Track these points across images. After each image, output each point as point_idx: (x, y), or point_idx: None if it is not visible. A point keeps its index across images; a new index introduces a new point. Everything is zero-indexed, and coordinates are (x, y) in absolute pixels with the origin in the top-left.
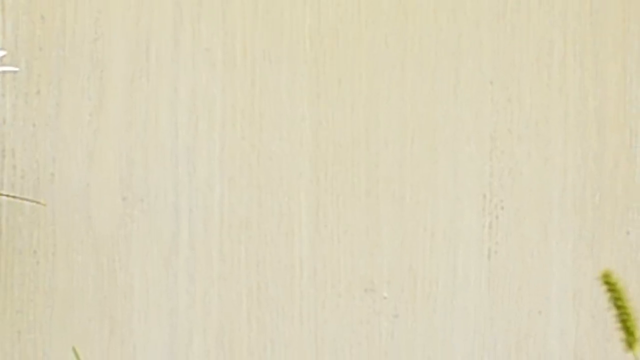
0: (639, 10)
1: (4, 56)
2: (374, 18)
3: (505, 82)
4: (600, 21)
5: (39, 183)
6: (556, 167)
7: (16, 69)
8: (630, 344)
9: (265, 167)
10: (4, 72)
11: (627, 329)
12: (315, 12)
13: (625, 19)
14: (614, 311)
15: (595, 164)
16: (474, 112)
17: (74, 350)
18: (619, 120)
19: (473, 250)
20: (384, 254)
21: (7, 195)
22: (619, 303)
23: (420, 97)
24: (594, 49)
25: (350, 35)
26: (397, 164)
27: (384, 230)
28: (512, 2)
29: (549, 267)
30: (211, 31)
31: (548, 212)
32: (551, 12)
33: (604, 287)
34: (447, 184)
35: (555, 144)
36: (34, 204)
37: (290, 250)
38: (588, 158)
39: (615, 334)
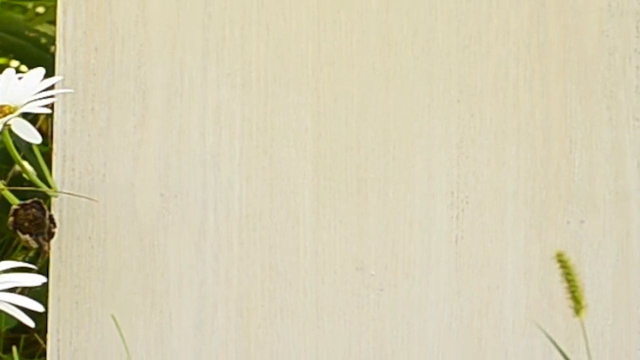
0: (577, 43)
1: (61, 80)
2: (363, 50)
3: (469, 101)
4: (545, 52)
5: (93, 183)
6: (511, 169)
7: (71, 90)
8: (577, 311)
9: (275, 169)
10: (63, 93)
11: (576, 299)
12: (316, 45)
13: (566, 50)
14: (564, 284)
15: (542, 167)
16: (444, 125)
17: (113, 318)
18: (561, 132)
19: (443, 237)
20: (371, 240)
21: (68, 193)
22: (569, 277)
23: (401, 114)
24: (540, 74)
25: (344, 64)
26: (382, 167)
27: (371, 220)
28: (475, 37)
29: (504, 251)
30: (232, 60)
31: (504, 206)
32: (506, 45)
33: (558, 264)
34: (422, 184)
35: (510, 151)
36: (89, 200)
37: (296, 237)
38: (536, 162)
39: (557, 303)
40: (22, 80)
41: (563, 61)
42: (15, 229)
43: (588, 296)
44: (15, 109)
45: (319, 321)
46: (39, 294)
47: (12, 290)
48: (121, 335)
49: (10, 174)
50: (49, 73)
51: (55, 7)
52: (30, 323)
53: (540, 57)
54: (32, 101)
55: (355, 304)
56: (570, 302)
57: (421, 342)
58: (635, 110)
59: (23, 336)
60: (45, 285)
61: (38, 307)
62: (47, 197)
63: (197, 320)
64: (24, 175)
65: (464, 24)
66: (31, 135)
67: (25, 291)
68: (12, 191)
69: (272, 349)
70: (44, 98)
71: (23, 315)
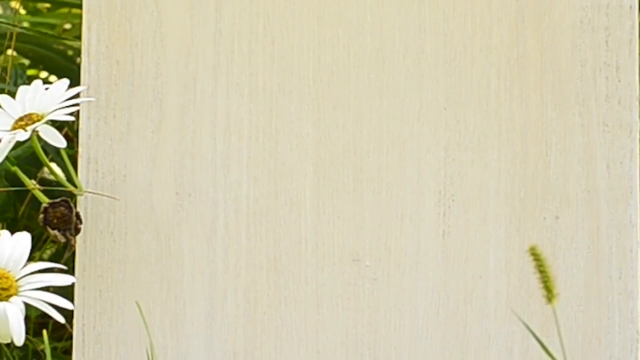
0: (552, 56)
1: (85, 89)
2: (359, 62)
3: (455, 108)
4: (524, 64)
5: (115, 183)
6: (492, 170)
7: (95, 99)
8: (549, 299)
9: (279, 170)
10: (87, 101)
11: (548, 288)
12: (316, 58)
13: (542, 62)
14: (538, 275)
15: (520, 168)
16: (432, 130)
17: (137, 304)
18: (537, 136)
19: (431, 232)
20: (366, 234)
21: (92, 192)
22: (542, 269)
23: (393, 120)
24: (519, 84)
25: (342, 75)
26: (376, 169)
27: (366, 216)
28: (460, 50)
29: (487, 244)
30: (240, 71)
31: (486, 203)
32: (488, 58)
33: (531, 257)
34: (412, 183)
35: (492, 153)
36: (111, 198)
37: (298, 231)
38: (516, 164)
39: (535, 292)
40: (49, 90)
41: (539, 72)
42: (45, 225)
43: (562, 285)
44: (42, 117)
45: (319, 308)
46: (68, 290)
47: (45, 289)
48: (143, 320)
49: (39, 176)
50: (75, 83)
51: (80, 23)
52: (61, 319)
53: (519, 69)
54: (58, 109)
55: (351, 292)
56: (543, 291)
57: (411, 327)
58: (605, 117)
59: (51, 321)
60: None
61: (68, 305)
62: (73, 196)
63: (209, 306)
64: (52, 177)
65: (450, 39)
66: (57, 140)
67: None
68: (41, 191)
69: (276, 333)
70: (69, 106)
71: (54, 311)
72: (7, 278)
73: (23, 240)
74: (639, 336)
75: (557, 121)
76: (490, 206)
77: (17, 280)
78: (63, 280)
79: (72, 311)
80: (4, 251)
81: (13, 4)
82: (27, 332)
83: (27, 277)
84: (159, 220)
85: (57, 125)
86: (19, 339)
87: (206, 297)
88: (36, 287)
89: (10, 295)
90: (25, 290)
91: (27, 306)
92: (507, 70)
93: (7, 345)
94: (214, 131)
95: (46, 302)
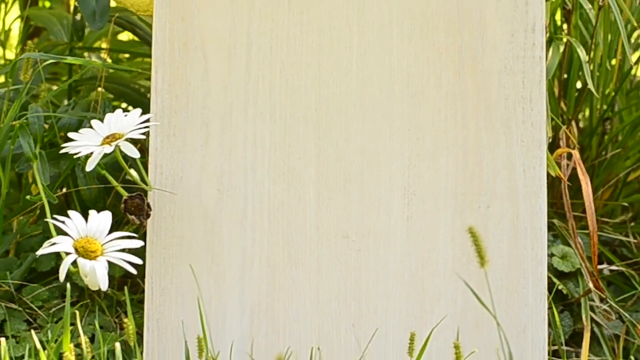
0: (485, 92)
1: (153, 116)
2: (348, 97)
3: (416, 130)
4: (465, 98)
5: (174, 182)
6: (442, 174)
7: (159, 123)
8: (482, 264)
9: (291, 174)
10: (154, 125)
11: (481, 257)
12: (317, 94)
13: (478, 96)
14: (474, 247)
15: (462, 172)
16: (399, 145)
17: (190, 268)
18: (474, 150)
19: (399, 217)
20: (353, 219)
21: (158, 189)
22: (477, 243)
23: (372, 138)
24: (461, 112)
25: (335, 106)
26: (360, 172)
27: (353, 206)
28: (419, 88)
29: (438, 226)
30: (263, 103)
31: (438, 197)
32: (440, 93)
33: (470, 235)
34: (386, 182)
35: (442, 161)
36: (171, 193)
37: (304, 217)
38: (459, 169)
39: (472, 260)
40: (127, 116)
41: (476, 104)
42: (125, 211)
43: (491, 255)
44: (122, 136)
45: (319, 271)
46: (140, 254)
47: (122, 250)
48: (195, 279)
49: (121, 177)
50: (146, 111)
51: (150, 69)
52: (133, 271)
53: (461, 101)
54: (134, 130)
55: (342, 260)
56: (478, 259)
57: (385, 285)
58: (522, 135)
59: (129, 280)
60: (143, 248)
61: (138, 261)
62: (145, 191)
63: (240, 270)
64: (130, 178)
65: (413, 80)
66: (133, 152)
67: (131, 251)
68: (122, 187)
69: (288, 289)
70: (142, 128)
71: (129, 266)
72: (94, 243)
73: (105, 217)
74: (545, 291)
75: (488, 139)
76: (440, 199)
77: (102, 245)
78: (135, 243)
79: (144, 272)
80: (92, 224)
81: (103, 55)
82: (112, 287)
83: (109, 242)
84: (205, 209)
85: (133, 141)
86: (104, 286)
87: (238, 263)
88: (115, 249)
89: (97, 256)
90: (107, 252)
91: (111, 266)
92: (453, 102)
93: (98, 296)
94: (244, 146)
95: (122, 259)
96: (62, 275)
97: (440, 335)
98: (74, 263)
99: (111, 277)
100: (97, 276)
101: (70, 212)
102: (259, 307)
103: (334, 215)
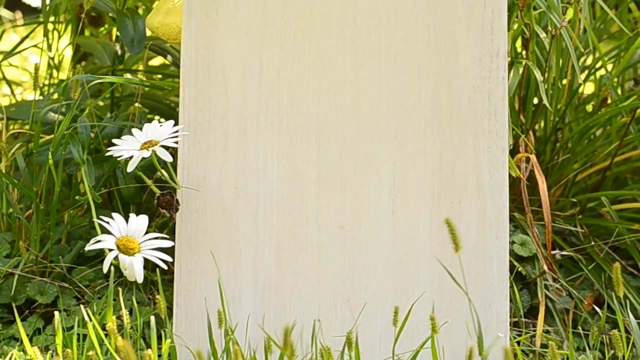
0: (457, 107)
1: (182, 127)
2: (344, 113)
3: (400, 138)
4: (440, 113)
5: (199, 181)
6: (422, 174)
7: (187, 133)
8: (456, 250)
9: (296, 175)
10: (183, 135)
11: (456, 243)
12: (318, 108)
13: (452, 110)
14: (450, 235)
15: (439, 173)
16: (387, 151)
17: (212, 254)
18: (449, 155)
19: (387, 211)
20: (348, 212)
21: (185, 187)
22: (452, 232)
23: (364, 144)
24: (437, 125)
25: (333, 119)
26: (354, 173)
27: (348, 202)
28: (403, 104)
29: (418, 218)
30: (273, 115)
31: (418, 194)
32: (419, 107)
33: (446, 225)
34: (375, 182)
35: (422, 164)
36: (196, 191)
37: (307, 211)
38: (436, 171)
39: (448, 246)
40: (161, 127)
41: (449, 117)
42: (157, 206)
43: (464, 242)
44: (157, 142)
45: (319, 256)
46: (169, 252)
47: (155, 249)
48: (215, 264)
49: (154, 177)
50: (176, 123)
51: (179, 87)
52: (164, 266)
53: (437, 115)
54: (167, 138)
55: (339, 246)
56: (453, 245)
57: (374, 268)
58: (488, 143)
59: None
60: (173, 239)
61: (168, 259)
62: (174, 190)
63: (254, 256)
64: (162, 177)
65: (398, 96)
66: (166, 156)
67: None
68: (156, 186)
69: (294, 272)
70: (173, 137)
71: (161, 262)
72: (133, 242)
73: (142, 219)
74: (507, 272)
75: (460, 146)
76: (421, 196)
77: (139, 244)
78: (166, 243)
79: (174, 258)
80: (132, 225)
81: (139, 76)
82: (146, 268)
83: (145, 242)
84: (224, 204)
85: (166, 147)
86: (140, 279)
87: (252, 251)
88: (151, 247)
89: (135, 252)
90: (144, 250)
91: (146, 261)
92: (431, 115)
93: None
94: (256, 152)
95: (156, 257)
96: (105, 268)
97: (420, 309)
98: (115, 257)
99: (147, 261)
100: (134, 270)
101: (114, 214)
102: (269, 287)
103: (331, 210)
